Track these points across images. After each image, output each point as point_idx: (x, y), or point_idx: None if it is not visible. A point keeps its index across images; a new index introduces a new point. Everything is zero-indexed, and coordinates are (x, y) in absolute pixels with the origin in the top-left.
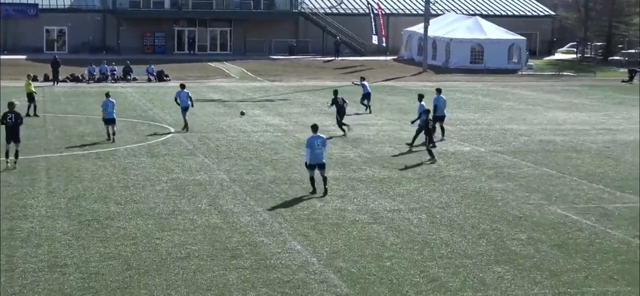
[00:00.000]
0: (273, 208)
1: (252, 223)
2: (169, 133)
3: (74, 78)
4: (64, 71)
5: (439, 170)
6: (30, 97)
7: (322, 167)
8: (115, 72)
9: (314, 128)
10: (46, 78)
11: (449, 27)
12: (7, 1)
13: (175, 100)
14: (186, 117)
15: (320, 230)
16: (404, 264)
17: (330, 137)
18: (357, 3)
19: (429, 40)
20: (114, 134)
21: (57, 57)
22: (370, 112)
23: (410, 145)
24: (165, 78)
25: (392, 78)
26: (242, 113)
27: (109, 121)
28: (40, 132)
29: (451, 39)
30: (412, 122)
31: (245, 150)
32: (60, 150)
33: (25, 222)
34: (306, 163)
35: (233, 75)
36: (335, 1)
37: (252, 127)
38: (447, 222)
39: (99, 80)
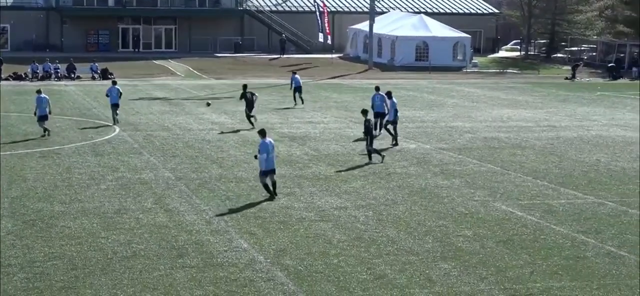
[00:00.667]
0: (219, 206)
1: (198, 221)
2: (113, 132)
3: (17, 77)
4: (6, 69)
5: (385, 168)
6: None
7: (274, 172)
8: (58, 70)
9: (263, 133)
10: None
11: (394, 24)
12: None
13: (106, 95)
14: (117, 114)
15: (267, 228)
16: (351, 261)
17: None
18: (302, 1)
19: (374, 38)
20: (47, 130)
21: None
22: (302, 103)
23: (395, 141)
24: (109, 76)
25: (338, 76)
26: (208, 104)
27: (43, 118)
28: None
29: (396, 37)
30: (386, 122)
31: (191, 148)
32: (3, 149)
33: None
34: (261, 171)
35: (178, 73)
36: None
37: (198, 125)
38: (394, 219)
39: (42, 79)
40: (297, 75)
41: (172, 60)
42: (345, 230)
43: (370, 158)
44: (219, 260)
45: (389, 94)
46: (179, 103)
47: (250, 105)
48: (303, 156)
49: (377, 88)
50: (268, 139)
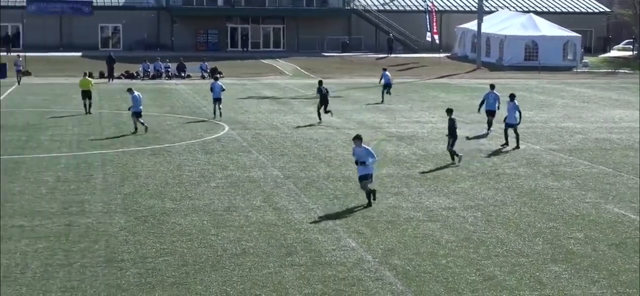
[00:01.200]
0: (327, 205)
1: (306, 220)
2: (223, 130)
3: (129, 76)
4: (118, 68)
5: (494, 168)
6: (87, 94)
7: (368, 178)
8: (169, 69)
9: (358, 138)
10: (101, 76)
11: (503, 24)
12: None
13: (211, 89)
14: (220, 107)
15: (375, 227)
16: (460, 262)
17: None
18: (410, 0)
19: (482, 37)
20: (145, 125)
21: (112, 54)
22: (382, 102)
23: (517, 144)
24: (218, 75)
25: (446, 76)
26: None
27: (138, 114)
28: (96, 129)
29: (505, 36)
30: (507, 125)
31: (299, 147)
32: (115, 147)
33: (82, 218)
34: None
35: (286, 72)
36: None
37: (305, 123)
38: (503, 220)
39: (153, 77)
40: (387, 72)
41: (280, 60)
42: (453, 231)
43: (452, 159)
44: (327, 258)
45: (511, 97)
46: (287, 102)
47: (324, 101)
48: (411, 156)
49: (492, 87)
50: (363, 145)
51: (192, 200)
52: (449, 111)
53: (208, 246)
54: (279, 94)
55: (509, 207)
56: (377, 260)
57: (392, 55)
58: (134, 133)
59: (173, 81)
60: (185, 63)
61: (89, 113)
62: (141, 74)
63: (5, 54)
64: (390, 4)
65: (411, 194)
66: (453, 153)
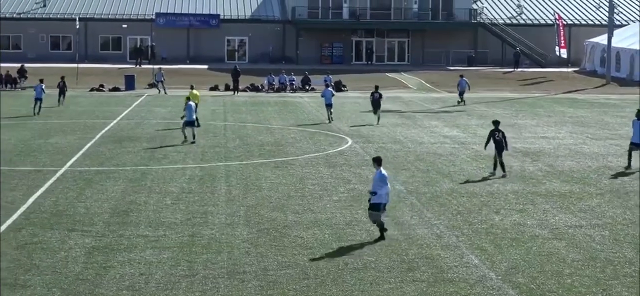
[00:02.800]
0: (450, 220)
1: (429, 235)
2: (346, 144)
3: (254, 88)
4: (243, 80)
5: (622, 186)
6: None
7: (382, 208)
8: (293, 82)
9: (378, 161)
10: (227, 88)
11: (635, 38)
12: (191, 12)
13: (322, 96)
14: (331, 113)
15: (499, 244)
16: (586, 282)
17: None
18: (537, 13)
19: (612, 52)
20: (194, 136)
21: (237, 66)
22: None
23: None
24: (343, 88)
25: (574, 91)
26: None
27: (190, 123)
28: (221, 141)
29: (637, 51)
30: (636, 142)
31: (422, 162)
32: (240, 159)
33: (206, 229)
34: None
35: (411, 86)
36: (515, 11)
37: (430, 138)
38: (631, 240)
39: (278, 90)
40: (464, 79)
41: (404, 73)
42: (579, 249)
43: (497, 169)
44: (449, 275)
45: (638, 114)
46: (411, 116)
47: (376, 105)
48: (537, 172)
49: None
50: (382, 170)
51: (314, 214)
52: (495, 122)
53: (329, 260)
54: (403, 108)
55: (638, 226)
56: (500, 277)
57: (519, 70)
58: (184, 142)
59: (298, 94)
60: (309, 76)
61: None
62: (266, 87)
63: (136, 65)
64: (518, 17)
65: (536, 211)
66: (498, 164)
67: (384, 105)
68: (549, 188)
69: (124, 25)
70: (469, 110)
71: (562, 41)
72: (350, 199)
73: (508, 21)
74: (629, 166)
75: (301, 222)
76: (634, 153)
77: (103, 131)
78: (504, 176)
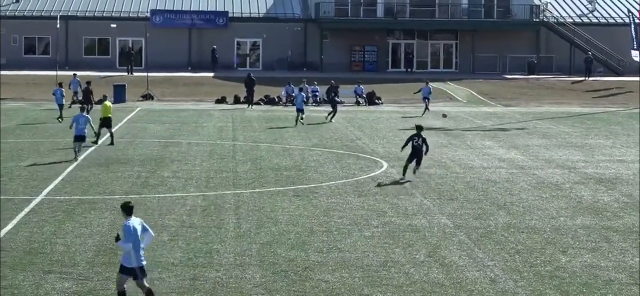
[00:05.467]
0: (507, 261)
1: (481, 279)
2: (380, 168)
3: (269, 101)
4: (257, 91)
5: None
6: (106, 122)
7: (142, 272)
8: (317, 94)
9: (127, 209)
10: (236, 100)
11: None
12: (193, 9)
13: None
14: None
15: (566, 290)
16: None
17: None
18: (614, 10)
19: None
20: (78, 152)
21: (252, 74)
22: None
23: None
24: (377, 101)
25: None
26: (444, 116)
27: (79, 138)
28: (229, 164)
29: None
30: None
31: (473, 190)
32: (252, 186)
33: (210, 271)
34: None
35: (459, 98)
36: (587, 8)
37: (482, 161)
38: None
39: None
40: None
41: (451, 83)
42: None
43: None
44: None
45: None
46: (459, 134)
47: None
48: (613, 203)
49: None
50: (132, 220)
51: (342, 253)
52: (419, 128)
53: None
54: (449, 125)
55: None
56: None
57: (591, 78)
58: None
59: (322, 108)
60: (337, 86)
61: (112, 144)
62: (284, 99)
63: (127, 73)
64: (590, 15)
65: (612, 251)
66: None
67: (427, 122)
68: (627, 223)
69: (113, 25)
70: (530, 128)
71: None
72: (385, 235)
73: (578, 20)
74: None
75: (326, 262)
76: None
77: (87, 152)
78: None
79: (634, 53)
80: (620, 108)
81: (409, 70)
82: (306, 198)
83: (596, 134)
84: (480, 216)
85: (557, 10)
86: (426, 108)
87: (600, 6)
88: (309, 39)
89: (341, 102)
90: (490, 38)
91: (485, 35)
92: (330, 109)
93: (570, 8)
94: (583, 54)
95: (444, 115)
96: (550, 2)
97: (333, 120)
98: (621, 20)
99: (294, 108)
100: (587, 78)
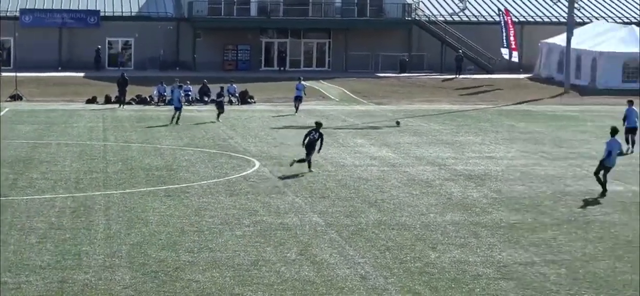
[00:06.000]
0: (378, 258)
1: (351, 276)
2: (252, 167)
3: (141, 100)
4: (129, 91)
5: (583, 215)
6: None
7: None
8: (190, 93)
9: None
10: (107, 100)
11: (598, 38)
12: (64, 8)
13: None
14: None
15: (435, 286)
16: None
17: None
18: (485, 9)
19: (572, 55)
20: None
21: (125, 74)
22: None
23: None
24: (249, 100)
25: (526, 101)
26: (398, 123)
27: None
28: (99, 164)
29: (600, 53)
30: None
31: (345, 188)
32: (122, 187)
33: (79, 273)
34: None
35: (331, 97)
36: (459, 6)
37: (353, 159)
38: (592, 279)
39: (170, 102)
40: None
41: (324, 81)
42: (532, 291)
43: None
44: None
45: (613, 131)
46: (331, 133)
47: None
48: (481, 199)
49: (631, 102)
50: None
51: (213, 252)
52: (318, 124)
53: None
54: (322, 123)
55: (600, 262)
56: None
57: (461, 76)
58: None
59: (194, 107)
60: (209, 85)
61: None
62: (155, 99)
63: None
64: (461, 13)
65: (481, 246)
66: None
67: (300, 120)
68: (495, 219)
69: None
70: (402, 125)
71: (512, 42)
72: (257, 234)
73: (449, 18)
74: (605, 191)
75: (197, 262)
76: (602, 173)
77: None
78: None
79: (504, 51)
80: (489, 105)
81: (282, 69)
82: (177, 198)
83: (466, 131)
84: (351, 214)
85: (428, 9)
86: (296, 107)
87: (471, 5)
88: (182, 38)
89: (213, 101)
90: (363, 37)
91: (358, 34)
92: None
93: (442, 7)
94: (454, 52)
95: (398, 123)
96: (422, 1)
97: (221, 120)
98: (491, 19)
99: (166, 108)
100: (457, 76)
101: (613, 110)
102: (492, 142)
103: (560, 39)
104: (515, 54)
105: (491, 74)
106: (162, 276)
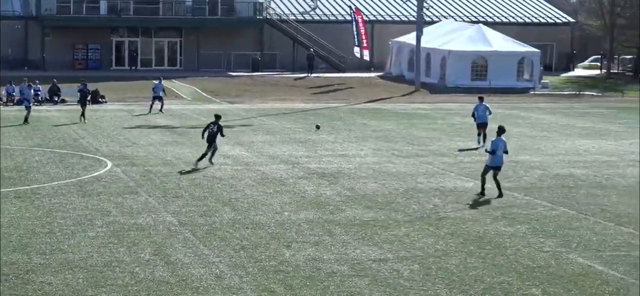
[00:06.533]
0: (232, 257)
1: (206, 276)
2: (105, 167)
3: None
4: None
5: (435, 211)
6: None
7: None
8: (39, 93)
9: None
10: None
11: (447, 37)
12: None
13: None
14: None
15: (290, 284)
16: None
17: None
18: (335, 8)
19: (422, 53)
20: None
21: None
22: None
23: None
24: (100, 99)
25: (378, 99)
26: (318, 127)
27: None
28: None
29: (449, 52)
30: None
31: (198, 187)
32: None
33: None
34: None
35: (184, 96)
36: (309, 5)
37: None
38: (445, 274)
39: (19, 102)
40: (160, 82)
41: (176, 81)
42: (385, 287)
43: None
44: None
45: (500, 130)
46: (184, 132)
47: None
48: (335, 196)
49: (481, 99)
50: None
51: (65, 254)
52: (217, 117)
53: None
54: (174, 123)
55: (452, 257)
56: None
57: (313, 75)
58: None
59: (44, 107)
60: (59, 85)
61: None
62: (4, 99)
63: None
64: (312, 12)
65: (335, 244)
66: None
67: (152, 120)
68: (349, 216)
69: None
70: (255, 124)
71: (364, 41)
72: (110, 234)
73: (301, 17)
74: (483, 192)
75: (49, 264)
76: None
77: None
78: (209, 159)
79: (356, 49)
80: (342, 104)
81: (133, 68)
82: (28, 199)
83: (319, 130)
84: (205, 213)
85: (280, 8)
86: (152, 106)
87: (322, 4)
88: (30, 37)
89: (63, 101)
90: (215, 35)
91: (210, 33)
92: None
93: (294, 5)
94: (305, 51)
95: (318, 127)
96: (273, 0)
97: (86, 121)
98: (343, 18)
99: (15, 108)
100: (309, 74)
101: (462, 108)
102: (345, 140)
103: (410, 38)
104: (366, 52)
105: (343, 72)
106: (13, 279)
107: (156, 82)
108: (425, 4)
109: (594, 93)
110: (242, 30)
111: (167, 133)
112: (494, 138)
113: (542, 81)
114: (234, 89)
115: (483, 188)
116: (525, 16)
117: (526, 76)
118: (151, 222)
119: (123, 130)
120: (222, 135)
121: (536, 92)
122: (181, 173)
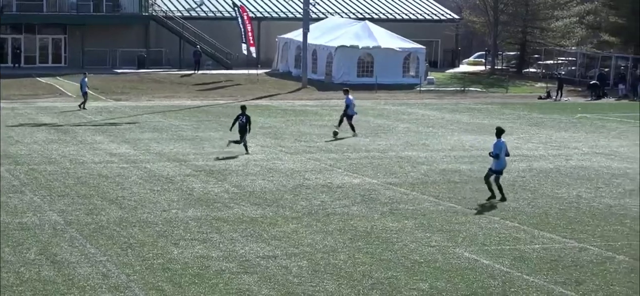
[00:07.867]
0: (119, 256)
1: (93, 275)
2: None
3: None
4: None
5: (322, 207)
6: None
7: None
8: None
9: None
10: None
11: (333, 33)
12: None
13: None
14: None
15: (178, 282)
16: None
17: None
18: (222, 5)
19: (309, 50)
20: None
21: None
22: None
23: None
24: None
25: (265, 96)
26: (336, 134)
27: None
28: None
29: (335, 48)
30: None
31: (85, 186)
32: None
33: None
34: None
35: (68, 93)
36: (195, 2)
37: (93, 156)
38: (333, 270)
39: None
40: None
41: (60, 78)
42: (274, 284)
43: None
44: None
45: (499, 132)
46: (68, 130)
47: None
48: (222, 194)
49: (346, 91)
50: None
51: None
52: (243, 108)
53: None
54: (59, 120)
55: (340, 253)
56: None
57: (200, 72)
58: None
59: None
60: None
61: None
62: None
63: None
64: (198, 9)
65: (223, 241)
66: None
67: (36, 117)
68: (237, 213)
69: None
70: (142, 121)
71: (250, 38)
72: None
73: (186, 14)
74: (493, 195)
75: None
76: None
77: None
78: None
79: (243, 46)
80: (229, 100)
81: (17, 65)
82: None
83: (206, 127)
84: (92, 211)
85: (166, 4)
86: (84, 102)
87: (209, 1)
88: None
89: None
90: (100, 32)
91: (95, 30)
92: None
93: (179, 2)
94: (192, 48)
95: (335, 133)
96: None
97: None
98: (229, 15)
99: None
100: (196, 71)
101: None
102: (232, 137)
103: (296, 34)
104: (253, 49)
105: (230, 69)
106: None
107: (83, 77)
108: (311, 1)
109: (479, 90)
110: (127, 27)
111: (52, 132)
112: (495, 141)
113: (428, 77)
114: (119, 86)
115: (492, 191)
116: (411, 13)
117: (412, 72)
118: (36, 221)
119: (7, 128)
120: (249, 130)
121: (422, 89)
122: (218, 159)
